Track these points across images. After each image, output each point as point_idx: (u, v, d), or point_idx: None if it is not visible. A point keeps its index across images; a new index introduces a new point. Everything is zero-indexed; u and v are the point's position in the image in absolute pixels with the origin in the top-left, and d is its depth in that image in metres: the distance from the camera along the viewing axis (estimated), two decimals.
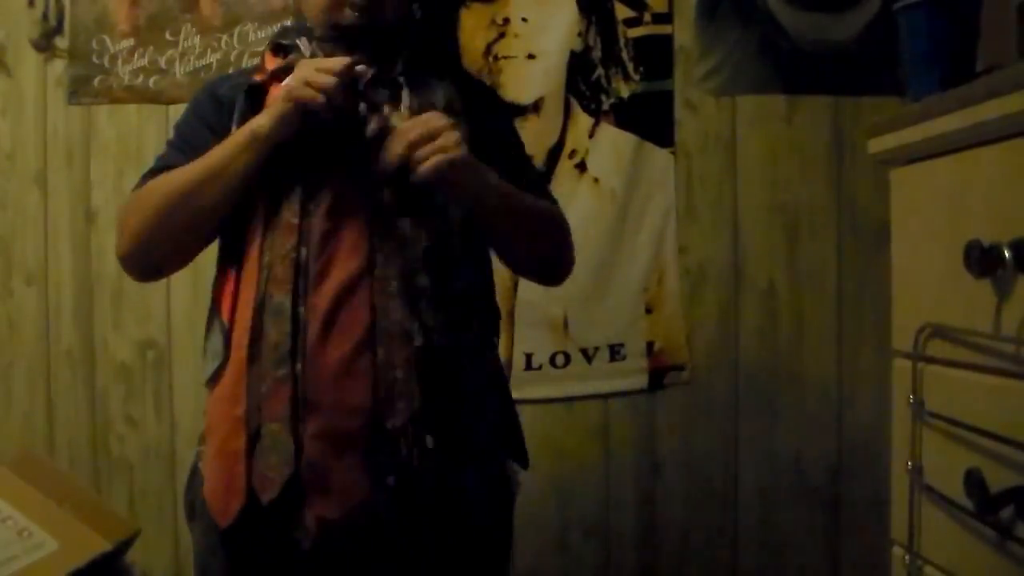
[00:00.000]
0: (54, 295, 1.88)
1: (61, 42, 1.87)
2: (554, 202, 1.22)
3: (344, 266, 1.00)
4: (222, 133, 1.06)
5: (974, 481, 0.78)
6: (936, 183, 0.91)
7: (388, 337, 0.98)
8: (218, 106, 1.10)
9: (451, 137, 0.98)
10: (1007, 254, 0.75)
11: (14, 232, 1.88)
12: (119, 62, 1.86)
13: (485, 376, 1.11)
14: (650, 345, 1.91)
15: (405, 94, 1.06)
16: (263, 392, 0.98)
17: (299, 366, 0.98)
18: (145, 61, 1.86)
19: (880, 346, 1.86)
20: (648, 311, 1.91)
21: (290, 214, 1.01)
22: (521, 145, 1.26)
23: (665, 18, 1.91)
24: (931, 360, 0.90)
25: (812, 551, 1.92)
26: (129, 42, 1.86)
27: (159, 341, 1.88)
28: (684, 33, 1.91)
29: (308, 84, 0.99)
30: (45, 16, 1.85)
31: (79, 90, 1.87)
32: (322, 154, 1.03)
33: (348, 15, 1.06)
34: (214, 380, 1.05)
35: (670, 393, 1.91)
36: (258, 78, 1.09)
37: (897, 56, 1.10)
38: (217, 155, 1.02)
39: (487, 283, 1.17)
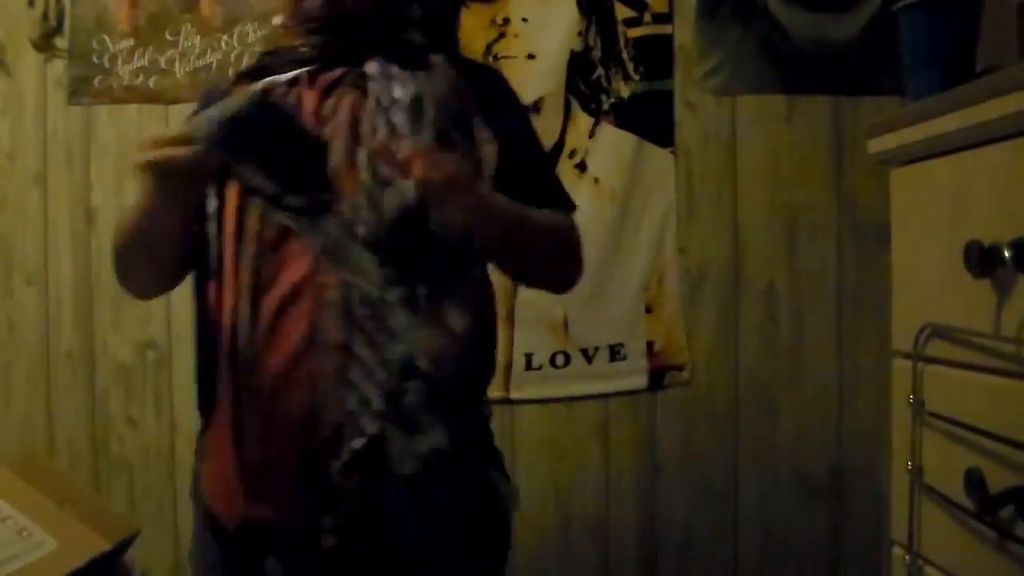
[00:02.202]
0: (54, 295, 1.88)
1: (61, 42, 1.87)
2: (570, 205, 1.17)
3: (292, 271, 0.97)
4: None
5: (974, 481, 0.78)
6: (936, 183, 0.91)
7: (323, 348, 0.95)
8: None
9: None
10: (1007, 254, 0.75)
11: (14, 232, 1.88)
12: (119, 62, 1.86)
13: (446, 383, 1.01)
14: (650, 345, 1.91)
15: (373, 87, 1.01)
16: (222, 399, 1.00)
17: (235, 373, 0.98)
18: (145, 61, 1.86)
19: (880, 346, 1.86)
20: (648, 311, 1.91)
21: (253, 221, 0.99)
22: (537, 144, 1.22)
23: (665, 18, 1.91)
24: (931, 360, 0.90)
25: (812, 551, 1.91)
26: (129, 42, 1.86)
27: (159, 341, 1.88)
28: (684, 33, 1.91)
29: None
30: (45, 16, 1.85)
31: (79, 90, 1.87)
32: (283, 161, 0.98)
33: (314, 3, 1.03)
34: None
35: (670, 393, 1.91)
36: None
37: (897, 56, 1.10)
38: (140, 207, 1.00)
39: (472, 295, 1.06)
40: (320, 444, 0.95)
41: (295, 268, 0.97)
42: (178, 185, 0.96)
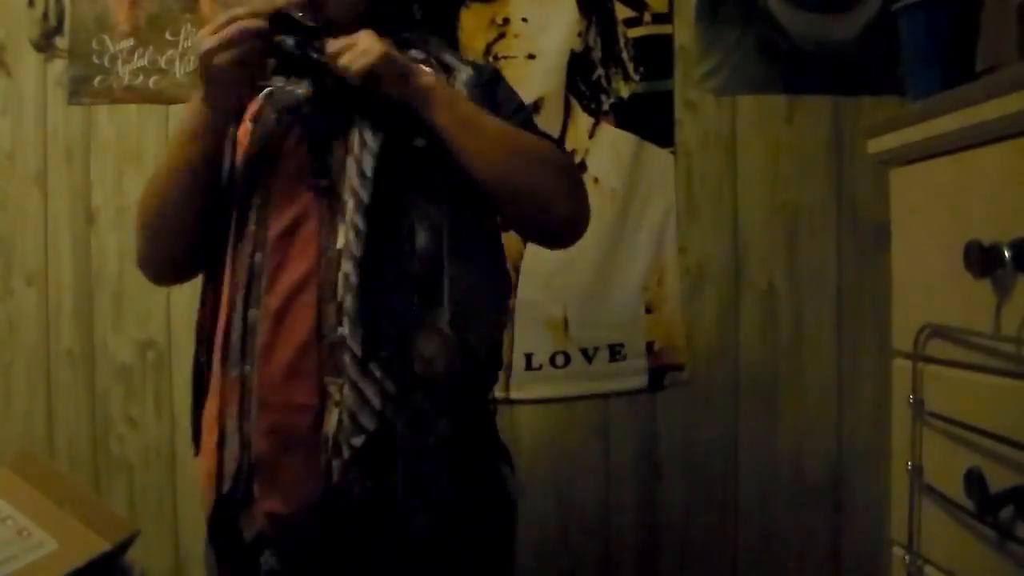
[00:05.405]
0: (54, 295, 1.88)
1: (61, 42, 1.87)
2: (565, 153, 1.22)
3: (295, 268, 1.02)
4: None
5: (974, 481, 0.78)
6: (936, 183, 0.91)
7: (326, 344, 1.00)
8: None
9: (371, 42, 1.00)
10: (1007, 254, 0.75)
11: (14, 232, 1.88)
12: (119, 62, 1.86)
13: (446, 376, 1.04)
14: (650, 345, 1.91)
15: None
16: (226, 393, 1.04)
17: (248, 367, 1.01)
18: (145, 61, 1.86)
19: (880, 346, 1.86)
20: (648, 311, 1.90)
21: (250, 223, 1.05)
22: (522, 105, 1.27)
23: (665, 18, 1.91)
24: (931, 360, 0.90)
25: (812, 551, 1.91)
26: (129, 42, 1.86)
27: (159, 341, 1.88)
28: (684, 33, 1.91)
29: (210, 34, 1.00)
30: (45, 16, 1.85)
31: (79, 90, 1.87)
32: (282, 161, 1.06)
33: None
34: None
35: (670, 393, 1.91)
36: None
37: (897, 56, 1.10)
38: (169, 151, 1.10)
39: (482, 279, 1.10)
40: (325, 440, 0.99)
41: (300, 263, 1.02)
42: (236, 79, 1.01)
